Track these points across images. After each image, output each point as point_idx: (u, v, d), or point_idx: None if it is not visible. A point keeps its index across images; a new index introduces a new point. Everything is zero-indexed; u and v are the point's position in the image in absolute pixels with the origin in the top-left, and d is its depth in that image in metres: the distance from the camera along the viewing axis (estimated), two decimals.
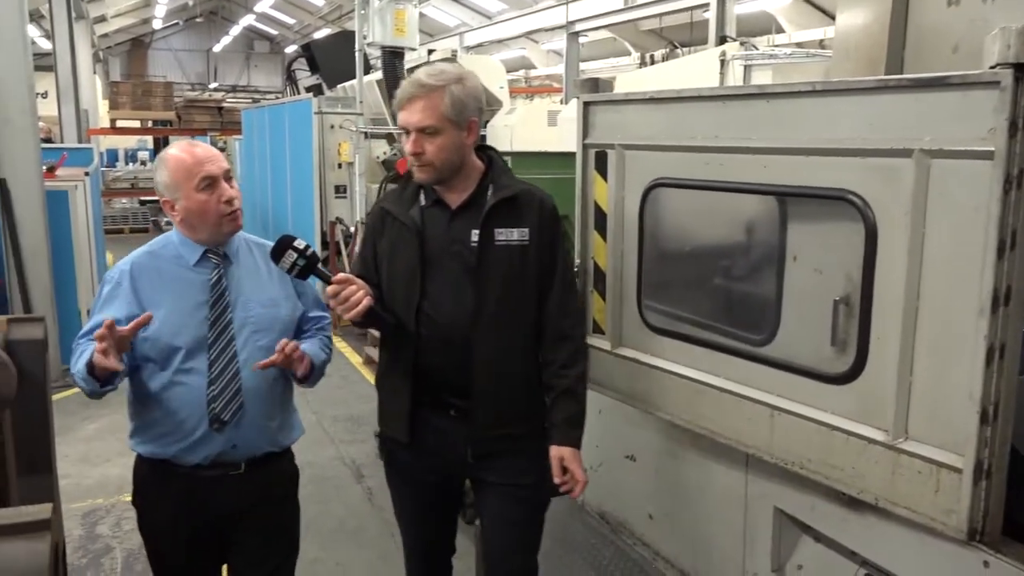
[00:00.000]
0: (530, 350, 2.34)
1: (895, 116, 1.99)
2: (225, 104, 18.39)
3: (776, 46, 11.19)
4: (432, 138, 2.16)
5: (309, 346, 2.34)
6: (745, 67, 7.89)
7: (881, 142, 2.01)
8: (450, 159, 2.20)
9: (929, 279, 1.94)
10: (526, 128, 8.26)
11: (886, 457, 2.04)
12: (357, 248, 2.56)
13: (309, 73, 12.07)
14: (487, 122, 8.66)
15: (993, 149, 1.77)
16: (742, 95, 2.43)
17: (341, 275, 2.13)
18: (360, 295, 2.10)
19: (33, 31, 6.35)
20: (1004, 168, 1.76)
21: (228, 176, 2.24)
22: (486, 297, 2.22)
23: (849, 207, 2.09)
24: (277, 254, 2.12)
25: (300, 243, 2.11)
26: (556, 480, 2.30)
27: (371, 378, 6.90)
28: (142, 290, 2.21)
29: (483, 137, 7.41)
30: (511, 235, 2.24)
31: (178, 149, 2.22)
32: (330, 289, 2.11)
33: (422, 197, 2.31)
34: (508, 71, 13.32)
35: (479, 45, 20.41)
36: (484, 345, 2.23)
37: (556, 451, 2.30)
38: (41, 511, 1.22)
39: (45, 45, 16.15)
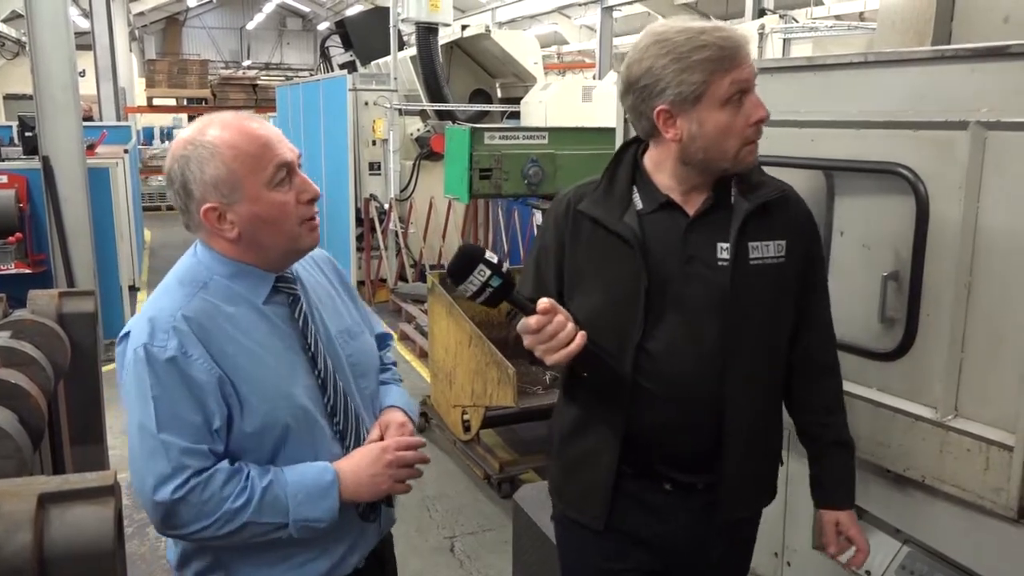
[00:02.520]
0: (780, 398, 1.84)
1: (950, 87, 1.94)
2: (259, 82, 18.49)
3: (816, 19, 10.97)
4: None
5: (402, 400, 1.74)
6: (784, 40, 7.77)
7: (935, 114, 1.97)
8: None
9: (983, 254, 1.90)
10: (560, 104, 8.20)
11: (934, 434, 2.01)
12: (528, 262, 1.88)
13: (343, 50, 12.08)
14: (520, 99, 8.61)
15: None
16: (790, 67, 2.39)
17: (546, 301, 1.52)
18: (571, 328, 1.53)
19: (71, 10, 6.43)
20: None
21: (299, 162, 1.53)
22: (740, 337, 1.66)
23: (900, 181, 2.05)
24: (461, 271, 1.49)
25: (492, 255, 1.50)
26: (832, 550, 1.86)
27: (407, 355, 6.94)
28: (223, 356, 1.43)
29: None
30: (767, 250, 1.68)
31: (225, 128, 1.45)
32: (534, 321, 1.51)
33: (637, 198, 1.71)
34: (540, 46, 13.20)
35: (512, 20, 20.25)
36: (739, 404, 1.67)
37: (831, 516, 1.85)
38: (106, 477, 1.26)
39: (83, 24, 16.35)
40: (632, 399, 1.67)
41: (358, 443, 1.58)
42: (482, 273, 1.48)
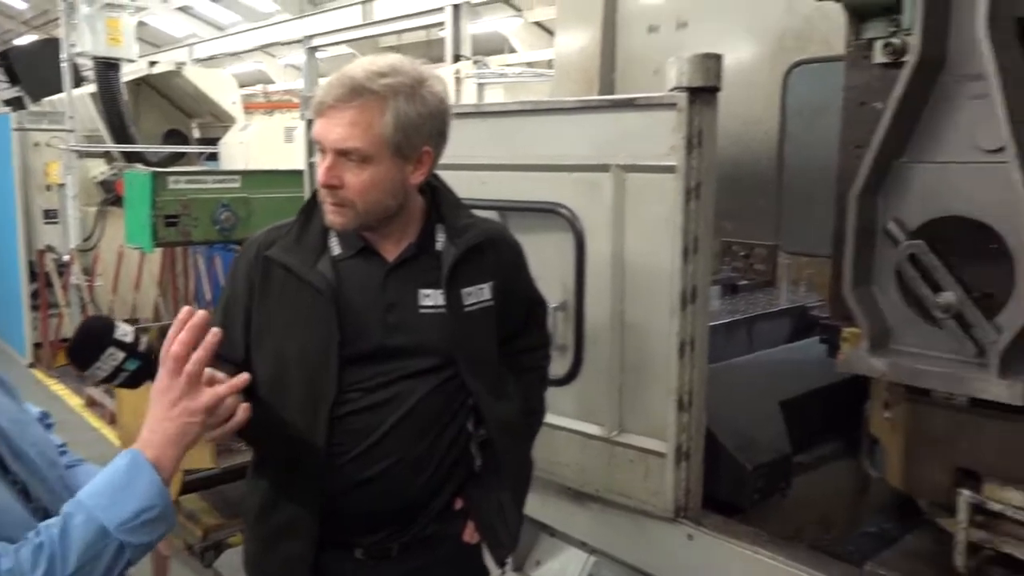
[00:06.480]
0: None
1: (596, 134, 2.16)
2: None
3: (508, 65, 11.74)
4: (358, 168, 1.47)
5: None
6: (479, 85, 8.22)
7: (585, 158, 2.17)
8: (382, 202, 1.51)
9: (630, 283, 2.12)
10: (263, 145, 7.94)
11: (604, 450, 2.19)
12: (215, 314, 1.58)
13: (8, 84, 10.75)
14: (219, 139, 8.23)
15: (675, 164, 1.97)
16: (459, 113, 2.50)
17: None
18: (231, 402, 1.31)
19: None
20: (684, 181, 1.97)
21: None
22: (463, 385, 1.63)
23: (561, 219, 2.23)
24: (86, 355, 1.21)
25: (125, 332, 1.23)
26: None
27: (96, 423, 6.24)
28: None
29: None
30: (482, 294, 1.63)
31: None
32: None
33: (334, 243, 1.59)
34: (244, 85, 12.66)
35: (211, 58, 19.38)
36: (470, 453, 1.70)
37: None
38: None
39: None
40: (328, 463, 1.53)
41: None
42: (114, 357, 1.21)
